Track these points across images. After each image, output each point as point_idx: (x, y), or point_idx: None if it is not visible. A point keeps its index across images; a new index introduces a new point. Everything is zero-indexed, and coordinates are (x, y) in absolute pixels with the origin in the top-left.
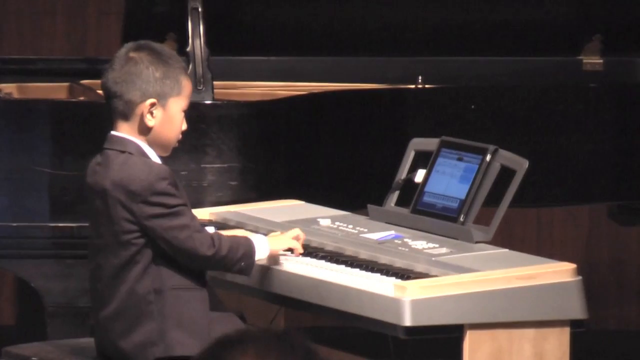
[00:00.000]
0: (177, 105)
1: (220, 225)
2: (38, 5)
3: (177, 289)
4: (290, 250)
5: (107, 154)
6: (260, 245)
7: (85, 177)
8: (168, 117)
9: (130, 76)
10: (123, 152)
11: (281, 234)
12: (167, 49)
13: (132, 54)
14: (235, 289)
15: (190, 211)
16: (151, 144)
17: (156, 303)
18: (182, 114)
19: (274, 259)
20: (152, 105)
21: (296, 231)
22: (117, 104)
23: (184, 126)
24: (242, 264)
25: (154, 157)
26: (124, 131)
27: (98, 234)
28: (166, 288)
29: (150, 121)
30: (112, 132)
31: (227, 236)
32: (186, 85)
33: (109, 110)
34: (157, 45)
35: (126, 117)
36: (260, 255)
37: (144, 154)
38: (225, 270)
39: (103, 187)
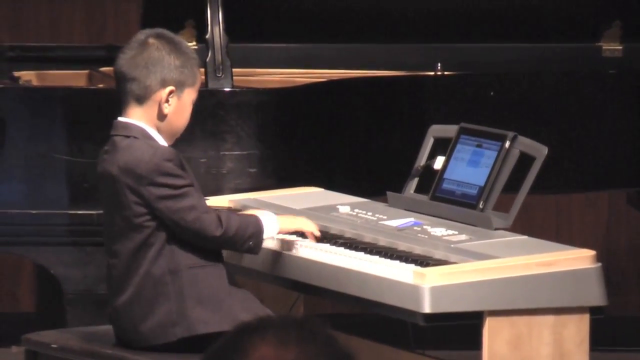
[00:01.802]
0: (190, 96)
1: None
2: None
3: (193, 267)
4: (302, 235)
5: (113, 141)
6: (269, 223)
7: (96, 166)
8: (181, 106)
9: (151, 61)
10: (128, 136)
11: (295, 217)
12: (182, 39)
13: (151, 40)
14: (254, 275)
15: (198, 192)
16: (160, 130)
17: (172, 284)
18: (192, 106)
19: (289, 244)
20: (171, 92)
21: (306, 221)
22: (133, 87)
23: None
24: (251, 242)
25: (160, 140)
26: (134, 115)
27: (111, 222)
28: (182, 268)
29: (166, 108)
30: (118, 119)
31: (236, 215)
32: (199, 77)
33: (120, 94)
34: (173, 35)
35: (140, 101)
36: (269, 234)
37: (149, 137)
38: (234, 250)
39: (111, 173)
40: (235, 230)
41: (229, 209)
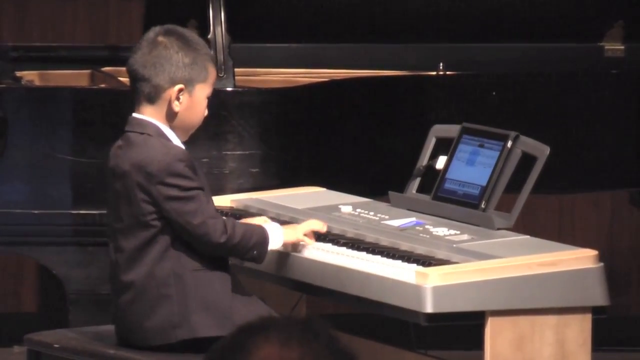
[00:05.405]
0: (203, 92)
1: (241, 212)
2: None
3: (198, 271)
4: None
5: (128, 136)
6: (275, 234)
7: (107, 161)
8: (193, 103)
9: (160, 60)
10: (142, 133)
11: (297, 225)
12: (194, 34)
13: (160, 38)
14: (256, 276)
15: (207, 196)
16: (173, 127)
17: (176, 286)
18: (206, 101)
19: (292, 245)
20: (180, 91)
21: (315, 223)
22: (144, 87)
23: (206, 112)
24: (255, 252)
25: (174, 139)
26: (147, 114)
27: (118, 218)
28: (187, 270)
29: (176, 106)
30: (133, 115)
31: (242, 223)
32: (212, 72)
33: (133, 92)
34: (184, 31)
35: (152, 100)
36: (274, 245)
37: (163, 136)
38: (237, 258)
39: (123, 169)
40: (239, 238)
41: (232, 209)
